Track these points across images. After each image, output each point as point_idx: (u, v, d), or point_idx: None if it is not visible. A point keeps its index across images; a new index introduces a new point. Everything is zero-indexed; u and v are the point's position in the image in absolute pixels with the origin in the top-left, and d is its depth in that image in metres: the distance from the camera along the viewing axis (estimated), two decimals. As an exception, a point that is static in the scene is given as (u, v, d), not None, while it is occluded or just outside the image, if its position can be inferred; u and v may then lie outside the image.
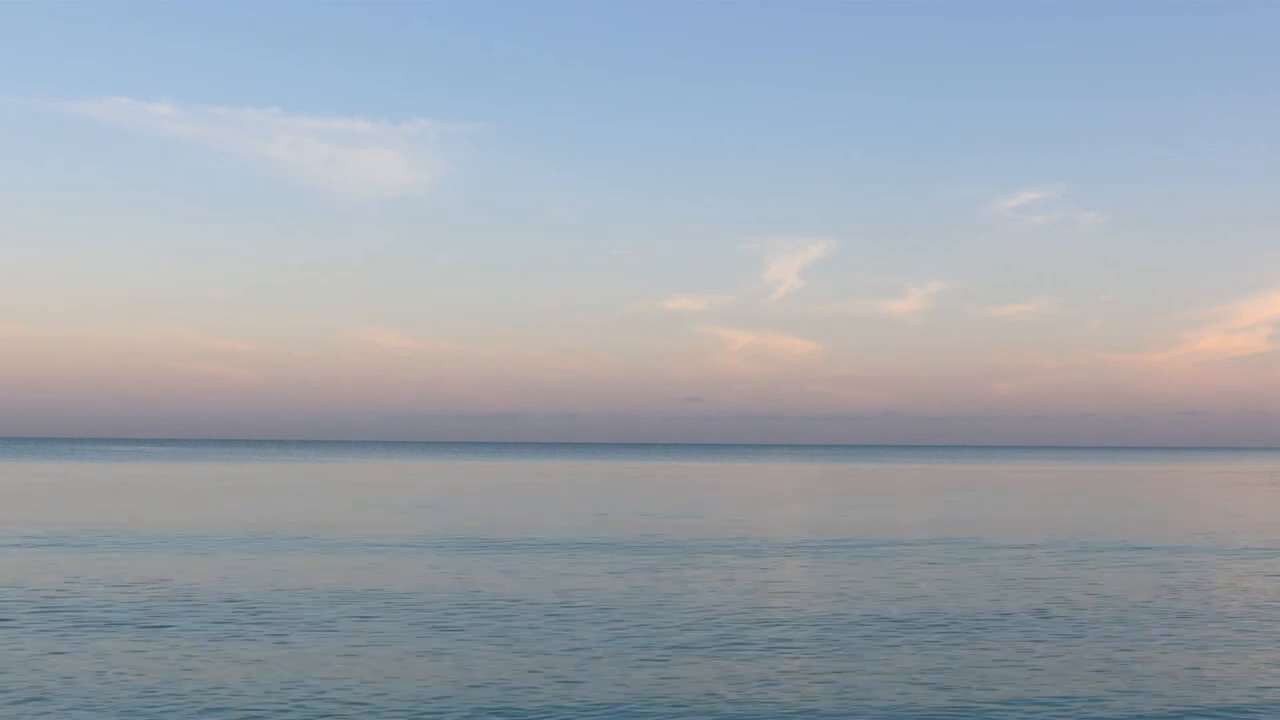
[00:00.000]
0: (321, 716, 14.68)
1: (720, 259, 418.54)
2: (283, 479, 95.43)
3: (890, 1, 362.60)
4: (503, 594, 25.67)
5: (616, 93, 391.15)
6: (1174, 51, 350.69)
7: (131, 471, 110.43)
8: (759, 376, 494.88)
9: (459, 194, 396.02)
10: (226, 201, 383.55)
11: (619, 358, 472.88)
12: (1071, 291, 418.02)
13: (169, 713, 14.84)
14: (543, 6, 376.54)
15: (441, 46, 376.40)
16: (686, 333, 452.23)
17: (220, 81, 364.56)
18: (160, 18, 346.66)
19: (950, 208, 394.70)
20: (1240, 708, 15.89)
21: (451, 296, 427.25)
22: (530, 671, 17.47)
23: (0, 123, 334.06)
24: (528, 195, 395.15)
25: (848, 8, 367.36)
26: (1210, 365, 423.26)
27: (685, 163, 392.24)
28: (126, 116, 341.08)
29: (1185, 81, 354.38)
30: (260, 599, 24.45)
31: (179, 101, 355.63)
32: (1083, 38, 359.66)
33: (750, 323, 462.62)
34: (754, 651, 19.27)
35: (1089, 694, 16.50)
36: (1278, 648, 20.40)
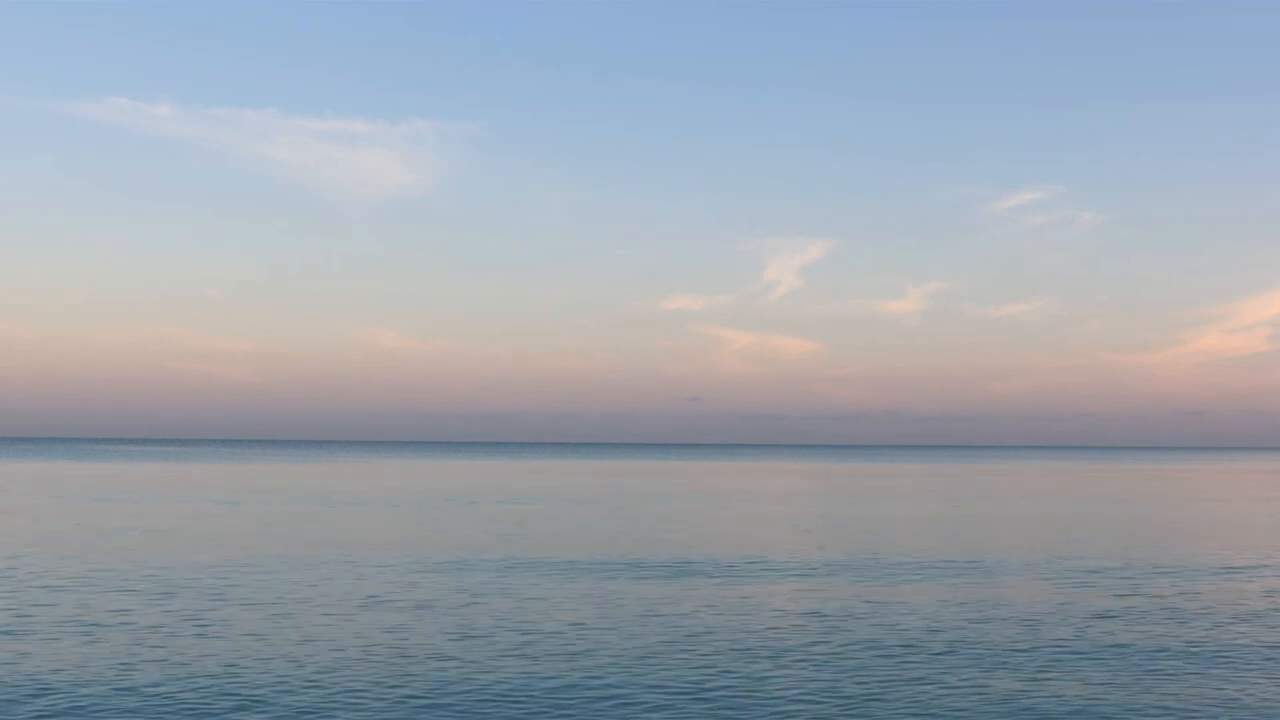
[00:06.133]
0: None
1: (719, 259, 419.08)
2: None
3: (890, 2, 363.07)
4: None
5: (615, 93, 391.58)
6: (1174, 52, 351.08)
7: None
8: (759, 376, 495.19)
9: (458, 194, 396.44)
10: (226, 201, 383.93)
11: (619, 358, 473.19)
12: (1071, 291, 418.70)
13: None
14: (542, 7, 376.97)
15: (441, 47, 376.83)
16: (686, 333, 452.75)
17: (219, 82, 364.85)
18: (160, 18, 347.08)
19: (949, 208, 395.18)
20: None
21: (451, 297, 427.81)
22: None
23: (0, 123, 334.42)
24: (527, 195, 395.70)
25: (847, 8, 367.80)
26: (1210, 365, 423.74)
27: (684, 163, 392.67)
28: (125, 117, 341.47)
29: (1185, 82, 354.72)
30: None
31: (178, 102, 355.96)
32: (1083, 38, 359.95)
33: (749, 323, 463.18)
34: None
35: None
36: None
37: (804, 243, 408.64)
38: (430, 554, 33.68)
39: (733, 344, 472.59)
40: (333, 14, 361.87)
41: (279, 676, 16.97)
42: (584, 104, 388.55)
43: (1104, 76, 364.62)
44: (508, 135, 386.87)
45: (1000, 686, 16.87)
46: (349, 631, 20.63)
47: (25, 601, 23.63)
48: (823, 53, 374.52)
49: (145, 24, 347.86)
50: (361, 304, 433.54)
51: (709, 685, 16.73)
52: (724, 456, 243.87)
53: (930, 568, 31.34)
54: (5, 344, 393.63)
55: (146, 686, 16.21)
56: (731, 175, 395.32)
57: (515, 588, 26.57)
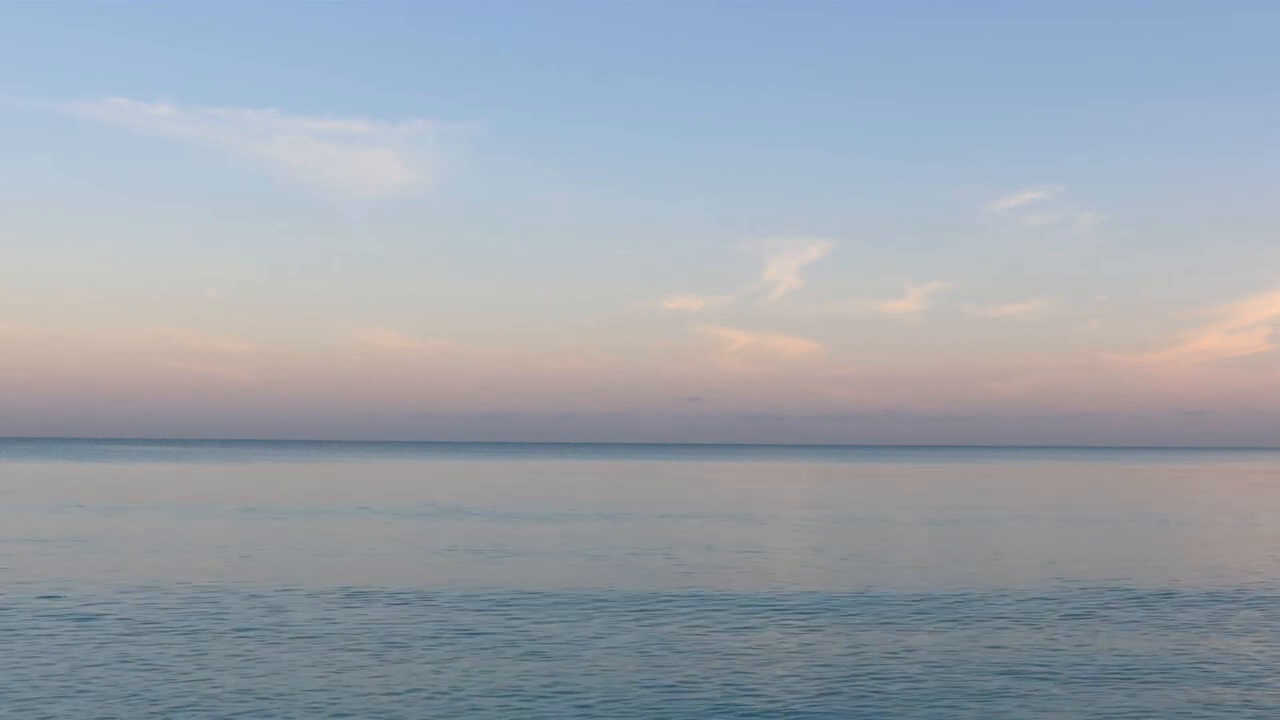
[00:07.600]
0: None
1: (719, 259, 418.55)
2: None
3: (890, 2, 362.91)
4: None
5: (615, 93, 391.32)
6: (1174, 52, 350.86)
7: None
8: (759, 376, 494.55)
9: (458, 194, 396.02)
10: (226, 201, 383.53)
11: (619, 358, 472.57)
12: (1071, 291, 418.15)
13: None
14: (542, 7, 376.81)
15: (441, 47, 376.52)
16: (686, 333, 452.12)
17: (219, 82, 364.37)
18: (160, 18, 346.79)
19: (949, 208, 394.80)
20: None
21: (451, 297, 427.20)
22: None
23: (0, 123, 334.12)
24: (527, 195, 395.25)
25: (847, 8, 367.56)
26: (1210, 365, 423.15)
27: (684, 163, 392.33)
28: (125, 117, 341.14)
29: (1185, 82, 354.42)
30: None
31: (178, 102, 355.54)
32: (1083, 38, 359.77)
33: (749, 323, 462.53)
34: None
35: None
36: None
37: (804, 243, 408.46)
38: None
39: (733, 344, 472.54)
40: (333, 14, 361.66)
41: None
42: (584, 104, 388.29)
43: (1104, 76, 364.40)
44: (508, 135, 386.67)
45: None
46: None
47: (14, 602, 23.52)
48: (823, 53, 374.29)
49: (145, 24, 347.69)
50: (361, 304, 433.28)
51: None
52: (724, 457, 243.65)
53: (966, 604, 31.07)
54: (5, 344, 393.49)
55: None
56: (731, 175, 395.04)
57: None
